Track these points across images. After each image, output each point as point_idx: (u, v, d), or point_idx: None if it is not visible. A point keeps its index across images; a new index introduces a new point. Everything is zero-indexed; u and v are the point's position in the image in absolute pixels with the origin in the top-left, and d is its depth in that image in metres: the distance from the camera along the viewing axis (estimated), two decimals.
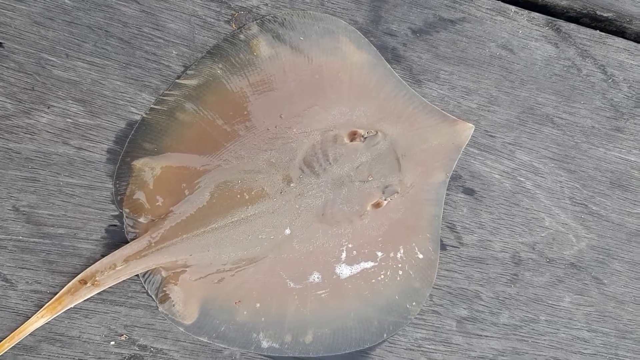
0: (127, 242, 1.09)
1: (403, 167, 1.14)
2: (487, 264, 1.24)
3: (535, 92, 1.30)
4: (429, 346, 1.20)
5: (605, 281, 1.29)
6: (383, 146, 1.13)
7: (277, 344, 1.11)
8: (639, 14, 1.38)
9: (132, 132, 1.12)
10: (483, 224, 1.25)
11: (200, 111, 1.12)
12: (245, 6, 1.19)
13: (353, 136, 1.12)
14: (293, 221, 1.09)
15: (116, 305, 1.10)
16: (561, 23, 1.33)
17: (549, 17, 1.32)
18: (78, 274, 1.06)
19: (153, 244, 1.06)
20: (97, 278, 1.05)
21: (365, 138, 1.12)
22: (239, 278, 1.09)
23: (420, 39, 1.27)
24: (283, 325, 1.11)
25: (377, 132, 1.13)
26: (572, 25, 1.33)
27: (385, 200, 1.12)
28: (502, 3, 1.31)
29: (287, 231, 1.09)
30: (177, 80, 1.15)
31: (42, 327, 1.05)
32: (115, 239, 1.11)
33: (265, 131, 1.11)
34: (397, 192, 1.13)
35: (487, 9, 1.30)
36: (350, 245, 1.12)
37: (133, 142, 1.12)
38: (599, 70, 1.34)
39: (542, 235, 1.28)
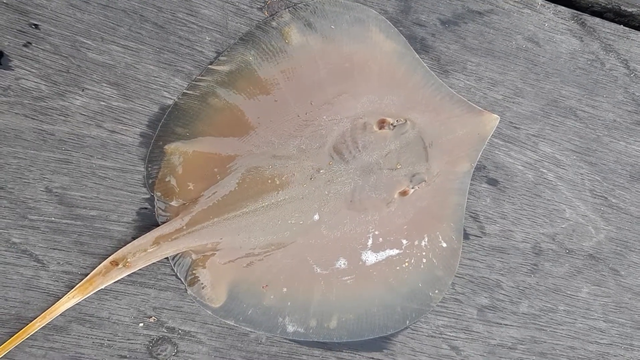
0: (157, 225, 1.10)
1: (430, 156, 1.15)
2: (508, 254, 1.26)
3: (560, 85, 1.32)
4: (450, 333, 1.21)
5: (623, 273, 1.31)
6: (411, 135, 1.14)
7: (302, 328, 1.13)
8: None
9: (165, 116, 1.13)
10: (505, 214, 1.27)
11: (232, 97, 1.13)
12: None
13: (382, 124, 1.13)
14: (322, 207, 1.11)
15: (146, 287, 1.11)
16: (586, 17, 1.34)
17: (574, 11, 1.34)
18: (109, 255, 1.07)
19: (184, 227, 1.07)
20: (128, 260, 1.06)
21: (395, 126, 1.13)
22: (267, 262, 1.11)
23: (448, 29, 1.28)
24: (308, 310, 1.13)
25: (405, 121, 1.14)
26: (597, 20, 1.35)
27: (412, 188, 1.13)
28: None
29: (316, 217, 1.11)
30: (209, 66, 1.16)
31: (72, 308, 1.07)
32: (146, 222, 1.12)
33: (295, 118, 1.13)
34: (425, 181, 1.14)
35: (515, 1, 1.31)
36: (376, 232, 1.14)
37: (165, 126, 1.13)
38: (621, 64, 1.35)
39: (563, 226, 1.29)
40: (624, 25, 1.37)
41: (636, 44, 1.36)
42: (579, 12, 1.34)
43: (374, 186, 1.12)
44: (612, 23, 1.36)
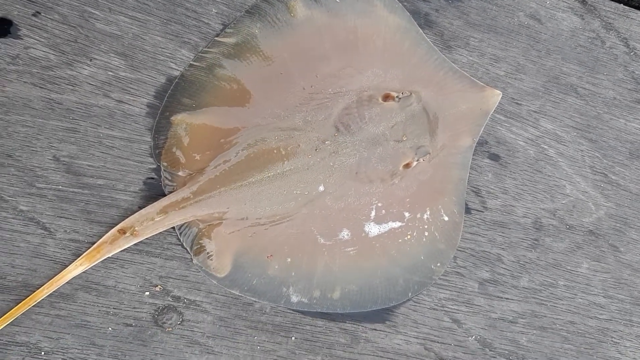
0: (164, 195, 1.10)
1: (434, 129, 1.16)
2: (509, 229, 1.27)
3: (561, 62, 1.33)
4: (452, 306, 1.23)
5: (622, 249, 1.33)
6: (416, 108, 1.15)
7: (306, 298, 1.14)
8: None
9: (172, 87, 1.14)
10: (507, 189, 1.28)
11: (238, 69, 1.14)
12: None
13: (386, 98, 1.14)
14: (327, 178, 1.12)
15: (152, 256, 1.12)
16: None
17: None
18: (115, 224, 1.08)
19: (191, 196, 1.08)
20: (136, 228, 1.07)
21: (400, 99, 1.14)
22: (272, 232, 1.12)
23: (452, 5, 1.29)
24: (312, 280, 1.14)
25: (410, 93, 1.15)
26: None
27: (416, 160, 1.14)
28: None
29: (321, 188, 1.12)
30: (216, 38, 1.17)
31: (79, 276, 1.07)
32: (153, 192, 1.13)
33: (301, 90, 1.14)
34: (429, 153, 1.15)
35: None
36: (379, 204, 1.15)
37: (172, 97, 1.14)
38: (621, 43, 1.37)
39: (563, 202, 1.31)
40: (624, 4, 1.38)
41: (636, 22, 1.38)
42: None
43: (380, 158, 1.13)
44: (612, 2, 1.38)
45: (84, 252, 1.07)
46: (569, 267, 1.29)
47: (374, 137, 1.13)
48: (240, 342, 1.13)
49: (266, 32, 1.16)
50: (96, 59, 1.13)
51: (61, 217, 1.09)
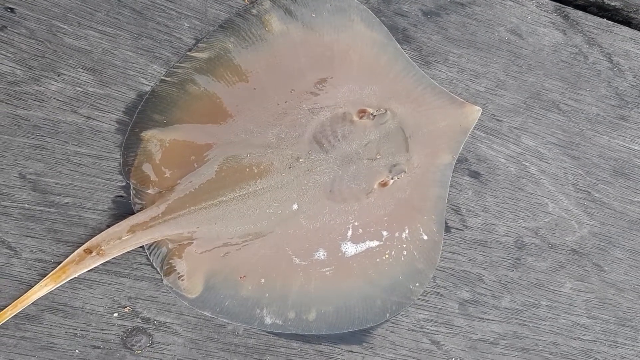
0: (133, 213, 1.08)
1: (410, 147, 1.14)
2: (490, 248, 1.25)
3: (542, 78, 1.31)
4: (431, 327, 1.20)
5: (606, 268, 1.30)
6: (391, 125, 1.13)
7: (280, 320, 1.11)
8: None
9: (142, 103, 1.12)
10: (487, 207, 1.26)
11: (210, 84, 1.12)
12: None
13: (362, 114, 1.12)
14: (301, 196, 1.09)
15: (120, 276, 1.09)
16: (569, 10, 1.34)
17: (557, 4, 1.34)
18: (83, 244, 1.05)
19: (160, 215, 1.06)
20: (102, 247, 1.04)
21: (375, 116, 1.12)
22: (244, 252, 1.09)
23: (430, 20, 1.27)
24: (287, 301, 1.11)
25: (386, 111, 1.13)
26: (580, 13, 1.35)
27: (392, 179, 1.12)
28: None
29: (295, 206, 1.09)
30: (188, 53, 1.15)
31: (45, 297, 1.05)
32: (122, 210, 1.10)
33: (275, 106, 1.11)
34: (404, 172, 1.13)
35: None
36: (356, 223, 1.12)
37: (142, 113, 1.11)
38: (605, 58, 1.35)
39: (545, 220, 1.28)
40: (607, 19, 1.37)
41: (620, 37, 1.36)
42: (563, 5, 1.34)
43: (353, 176, 1.11)
44: (596, 16, 1.36)
45: (51, 272, 1.04)
46: (551, 287, 1.27)
47: (347, 155, 1.10)
48: None
49: (240, 46, 1.14)
50: (64, 74, 1.10)
51: (27, 236, 1.07)
